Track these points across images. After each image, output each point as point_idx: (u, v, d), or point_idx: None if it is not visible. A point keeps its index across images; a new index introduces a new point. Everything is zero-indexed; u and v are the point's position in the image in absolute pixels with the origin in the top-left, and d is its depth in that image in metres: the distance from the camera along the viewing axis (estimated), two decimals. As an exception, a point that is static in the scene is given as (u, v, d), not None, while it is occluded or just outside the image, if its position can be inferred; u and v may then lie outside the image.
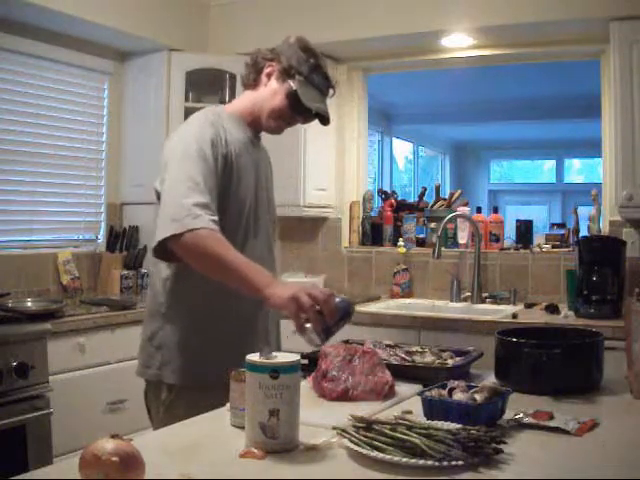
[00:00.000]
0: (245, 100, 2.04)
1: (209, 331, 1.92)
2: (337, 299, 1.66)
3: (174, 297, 1.93)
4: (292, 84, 1.94)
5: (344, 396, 1.61)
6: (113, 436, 1.08)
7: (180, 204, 1.73)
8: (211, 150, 1.84)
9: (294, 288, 1.65)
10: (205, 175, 1.80)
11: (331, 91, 2.05)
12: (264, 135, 2.10)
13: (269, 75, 1.99)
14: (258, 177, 2.02)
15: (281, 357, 1.31)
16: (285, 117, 1.99)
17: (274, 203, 2.16)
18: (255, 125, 2.03)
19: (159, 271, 1.96)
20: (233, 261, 1.72)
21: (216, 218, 1.76)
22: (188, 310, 1.93)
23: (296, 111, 1.97)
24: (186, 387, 1.89)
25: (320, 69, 2.00)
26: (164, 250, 1.78)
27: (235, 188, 1.91)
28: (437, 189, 4.33)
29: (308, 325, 1.62)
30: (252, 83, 2.02)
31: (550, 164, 11.01)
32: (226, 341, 1.91)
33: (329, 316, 1.61)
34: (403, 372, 1.75)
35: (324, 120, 2.02)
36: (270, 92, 1.98)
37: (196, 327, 1.92)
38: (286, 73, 1.96)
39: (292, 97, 1.95)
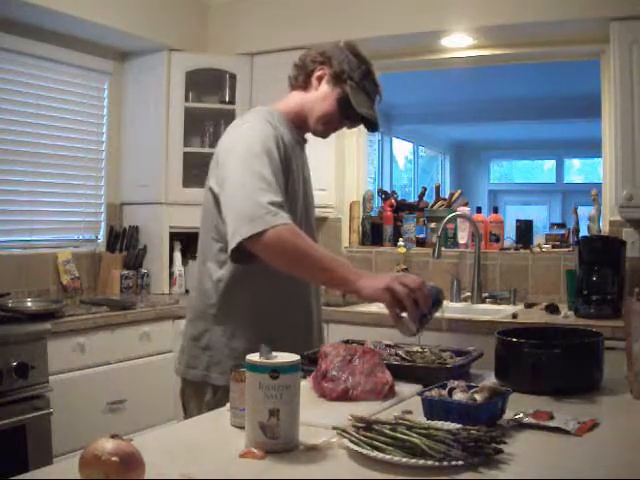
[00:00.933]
0: (294, 101, 2.02)
1: (260, 334, 1.86)
2: (427, 286, 1.69)
3: (227, 299, 1.91)
4: (345, 89, 1.94)
5: (344, 396, 1.61)
6: (113, 436, 1.08)
7: (256, 202, 1.70)
8: (276, 148, 1.83)
9: (386, 279, 1.68)
10: (275, 173, 1.78)
11: (378, 97, 2.03)
12: None
13: (320, 78, 1.98)
14: (305, 179, 2.03)
15: (281, 357, 1.31)
16: (334, 121, 1.99)
17: (314, 206, 2.16)
18: (302, 127, 2.02)
19: (210, 272, 1.93)
20: (320, 256, 1.72)
21: (291, 217, 1.75)
22: (241, 312, 1.91)
23: (345, 116, 1.97)
24: None
25: (371, 75, 1.99)
26: (240, 252, 1.75)
27: (290, 189, 1.90)
28: (437, 189, 4.33)
29: (404, 314, 1.65)
30: (302, 85, 2.01)
31: (550, 164, 11.01)
32: (277, 344, 1.90)
33: (424, 303, 1.65)
34: (403, 372, 1.75)
35: (373, 126, 2.02)
36: (321, 96, 1.97)
37: (247, 330, 1.90)
38: (338, 78, 1.95)
39: (343, 102, 1.94)
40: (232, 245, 1.72)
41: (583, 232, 3.57)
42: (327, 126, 2.00)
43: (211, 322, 1.92)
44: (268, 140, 1.83)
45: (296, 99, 2.02)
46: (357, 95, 1.95)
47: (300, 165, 1.99)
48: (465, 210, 3.91)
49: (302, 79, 2.00)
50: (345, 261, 1.77)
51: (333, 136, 4.52)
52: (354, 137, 4.27)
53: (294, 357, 1.32)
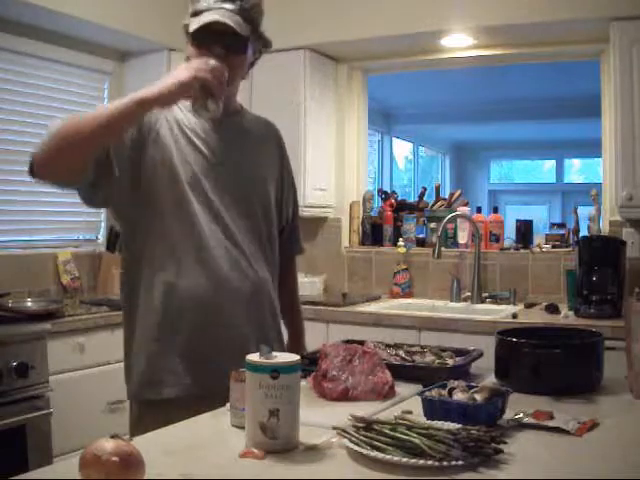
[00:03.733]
0: None
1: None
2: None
3: None
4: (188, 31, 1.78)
5: (344, 396, 1.61)
6: (113, 436, 1.08)
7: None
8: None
9: (180, 71, 1.59)
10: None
11: (228, 4, 1.73)
12: None
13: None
14: (216, 155, 1.80)
15: (281, 357, 1.31)
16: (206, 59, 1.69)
17: (265, 185, 1.92)
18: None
19: None
20: (93, 116, 1.57)
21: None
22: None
23: (206, 45, 1.73)
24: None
25: None
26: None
27: (152, 163, 1.73)
28: (437, 189, 4.34)
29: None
30: None
31: (550, 164, 11.02)
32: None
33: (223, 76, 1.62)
34: (403, 372, 1.75)
35: (234, 32, 1.73)
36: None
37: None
38: (186, 28, 1.80)
39: (189, 37, 1.77)
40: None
41: (583, 232, 3.58)
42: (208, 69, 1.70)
43: None
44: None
45: None
46: (194, 19, 1.76)
47: (213, 143, 1.81)
48: (465, 210, 3.91)
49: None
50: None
51: (333, 136, 4.47)
52: (354, 137, 4.28)
53: (294, 357, 1.32)
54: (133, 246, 1.80)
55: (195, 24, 1.74)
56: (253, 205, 1.88)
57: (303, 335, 2.15)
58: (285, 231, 2.05)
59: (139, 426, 1.68)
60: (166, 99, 1.60)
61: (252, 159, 1.91)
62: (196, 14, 1.76)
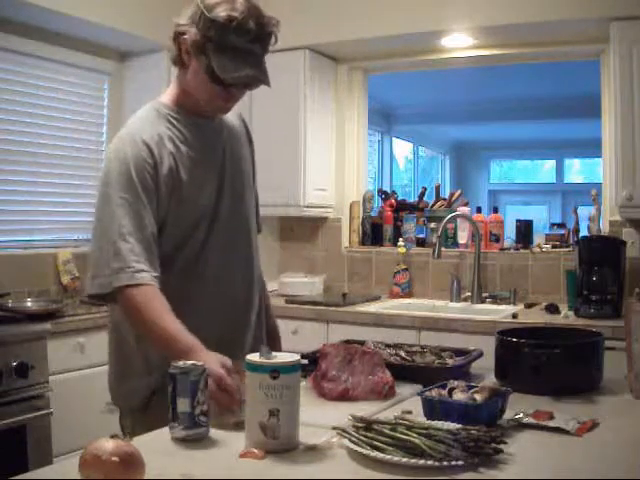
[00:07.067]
0: (178, 85, 1.79)
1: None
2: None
3: None
4: (208, 56, 1.64)
5: (344, 396, 1.61)
6: (113, 436, 1.09)
7: (106, 261, 1.60)
8: (137, 174, 1.66)
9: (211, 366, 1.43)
10: (136, 211, 1.64)
11: (257, 46, 1.67)
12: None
13: (188, 53, 1.69)
14: (209, 171, 1.77)
15: (281, 357, 1.31)
16: (221, 95, 1.70)
17: (250, 179, 1.91)
18: (198, 109, 1.76)
19: None
20: (157, 330, 1.57)
21: (144, 267, 1.59)
22: None
23: (228, 84, 1.66)
24: None
25: (232, 22, 1.62)
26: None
27: (176, 206, 1.70)
28: (437, 189, 4.34)
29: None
30: (178, 62, 1.75)
31: (550, 164, 11.01)
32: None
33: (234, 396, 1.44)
34: (403, 372, 1.75)
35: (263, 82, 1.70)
36: (192, 74, 1.70)
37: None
38: (197, 46, 1.65)
39: (211, 72, 1.64)
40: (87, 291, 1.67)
41: (583, 232, 3.57)
42: (217, 103, 1.73)
43: None
44: (136, 169, 1.66)
45: (178, 82, 1.78)
46: (221, 58, 1.63)
47: (202, 159, 1.75)
48: (465, 210, 3.91)
49: (177, 56, 1.74)
50: (182, 333, 1.55)
51: (333, 136, 4.45)
52: (354, 137, 4.28)
53: (294, 357, 1.32)
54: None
55: (226, 73, 1.63)
56: (247, 205, 1.88)
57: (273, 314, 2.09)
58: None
59: None
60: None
61: (238, 156, 1.89)
62: (227, 43, 1.63)
